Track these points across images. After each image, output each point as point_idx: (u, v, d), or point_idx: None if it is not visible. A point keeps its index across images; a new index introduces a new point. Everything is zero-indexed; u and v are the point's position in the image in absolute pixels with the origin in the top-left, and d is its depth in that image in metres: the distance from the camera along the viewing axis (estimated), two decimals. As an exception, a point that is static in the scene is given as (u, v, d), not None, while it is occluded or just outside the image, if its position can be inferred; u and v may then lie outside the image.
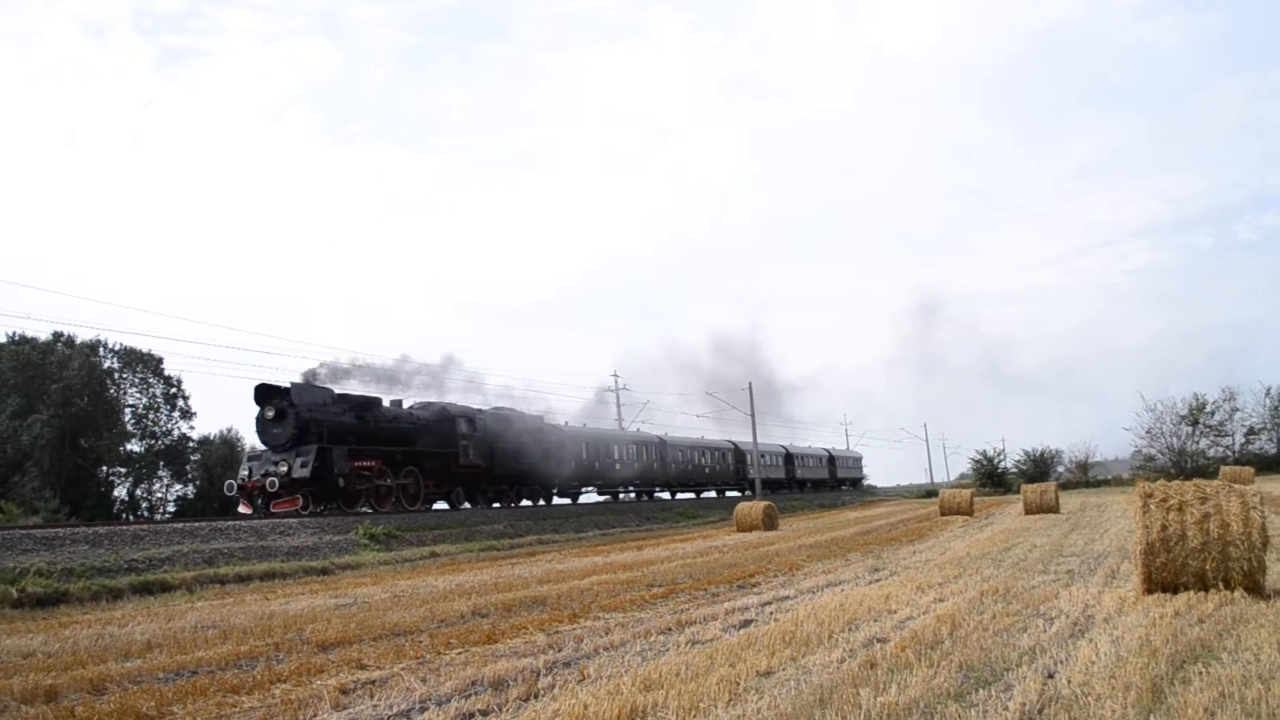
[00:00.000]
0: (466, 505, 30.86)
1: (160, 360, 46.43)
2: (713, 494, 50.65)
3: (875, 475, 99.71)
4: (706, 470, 49.69)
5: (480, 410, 32.17)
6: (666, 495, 46.30)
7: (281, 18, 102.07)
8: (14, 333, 43.02)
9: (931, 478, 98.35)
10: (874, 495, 72.54)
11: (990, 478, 64.41)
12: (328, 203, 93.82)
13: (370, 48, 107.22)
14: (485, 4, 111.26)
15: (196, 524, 20.66)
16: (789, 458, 61.29)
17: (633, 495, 43.80)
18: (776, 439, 63.74)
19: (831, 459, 69.54)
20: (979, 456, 67.38)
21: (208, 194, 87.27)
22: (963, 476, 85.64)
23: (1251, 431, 53.53)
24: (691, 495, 48.68)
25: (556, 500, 37.92)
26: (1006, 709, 5.15)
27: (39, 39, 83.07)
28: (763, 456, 53.69)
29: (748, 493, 51.77)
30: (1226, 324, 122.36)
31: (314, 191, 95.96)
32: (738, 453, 53.29)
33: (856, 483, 75.62)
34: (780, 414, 62.20)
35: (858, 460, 78.00)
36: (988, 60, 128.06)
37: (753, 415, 48.42)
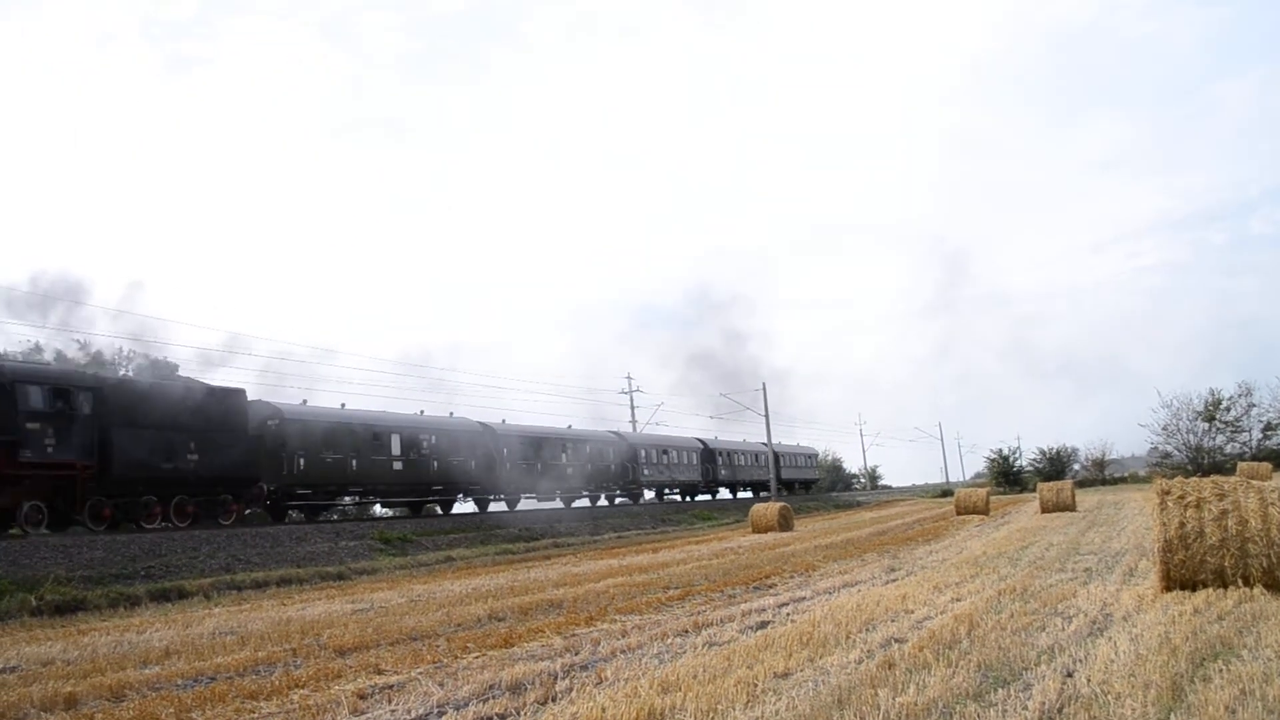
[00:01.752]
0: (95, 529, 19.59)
1: (176, 367, 46.65)
2: (587, 502, 39.17)
3: (890, 475, 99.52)
4: (570, 471, 37.45)
5: (88, 374, 21.93)
6: (503, 507, 34.98)
7: (287, 21, 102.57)
8: (30, 342, 43.35)
9: (947, 477, 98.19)
10: (890, 495, 71.97)
11: (1006, 476, 64.15)
12: (330, 204, 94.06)
13: (376, 52, 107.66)
14: (489, 6, 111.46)
15: (213, 531, 20.76)
16: (709, 454, 48.90)
17: (438, 509, 32.81)
18: (746, 432, 54.95)
19: (775, 456, 55.49)
20: (994, 455, 67.16)
21: (210, 198, 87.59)
22: (978, 475, 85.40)
23: (1269, 427, 53.05)
24: (554, 504, 37.44)
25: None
26: (1026, 708, 5.12)
27: (46, 44, 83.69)
28: (665, 453, 44.79)
29: (643, 501, 42.66)
30: (1244, 320, 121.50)
31: (317, 193, 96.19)
32: (628, 449, 41.88)
33: (810, 485, 62.80)
34: (759, 404, 52.14)
35: (811, 458, 65.19)
36: (997, 58, 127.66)
37: (766, 414, 48.21)
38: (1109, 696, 5.27)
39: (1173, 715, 4.91)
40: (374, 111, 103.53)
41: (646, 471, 42.43)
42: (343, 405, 29.69)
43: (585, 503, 38.82)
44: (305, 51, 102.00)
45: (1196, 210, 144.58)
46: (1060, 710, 5.07)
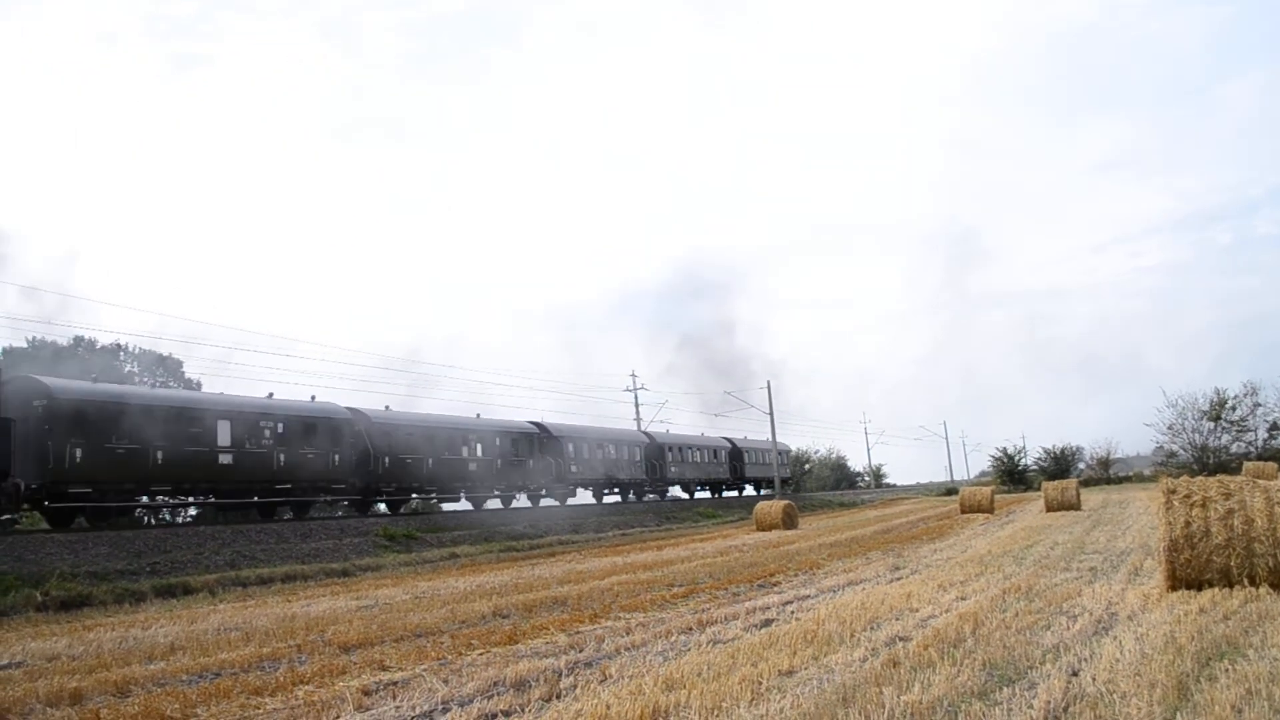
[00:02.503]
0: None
1: (181, 364, 46.77)
2: (498, 503, 34.36)
3: (895, 473, 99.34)
4: (473, 468, 32.41)
5: None
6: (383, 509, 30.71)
7: (288, 21, 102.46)
8: (34, 337, 43.47)
9: (951, 475, 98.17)
10: (894, 493, 71.79)
11: (1011, 475, 64.06)
12: (330, 204, 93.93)
13: (376, 52, 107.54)
14: (489, 6, 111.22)
15: (218, 527, 20.80)
16: (656, 450, 43.20)
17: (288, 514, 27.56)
18: (746, 430, 52.13)
19: (736, 452, 50.31)
20: (999, 454, 67.07)
21: (212, 197, 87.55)
22: (983, 474, 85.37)
23: (1275, 427, 52.78)
24: (463, 506, 32.95)
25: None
26: (1031, 707, 5.11)
27: (47, 43, 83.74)
28: (601, 448, 39.44)
29: (571, 503, 37.04)
30: (1249, 320, 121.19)
31: (317, 193, 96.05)
32: (552, 443, 36.36)
33: (784, 484, 54.46)
34: (751, 403, 48.94)
35: (782, 454, 55.42)
36: (998, 58, 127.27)
37: (771, 412, 48.22)
38: (1114, 696, 5.26)
39: (1178, 715, 4.90)
40: (374, 111, 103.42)
41: (575, 469, 37.11)
42: (152, 385, 25.23)
43: (497, 504, 34.35)
44: (305, 51, 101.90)
45: (1198, 210, 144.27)
46: (1065, 709, 5.06)
